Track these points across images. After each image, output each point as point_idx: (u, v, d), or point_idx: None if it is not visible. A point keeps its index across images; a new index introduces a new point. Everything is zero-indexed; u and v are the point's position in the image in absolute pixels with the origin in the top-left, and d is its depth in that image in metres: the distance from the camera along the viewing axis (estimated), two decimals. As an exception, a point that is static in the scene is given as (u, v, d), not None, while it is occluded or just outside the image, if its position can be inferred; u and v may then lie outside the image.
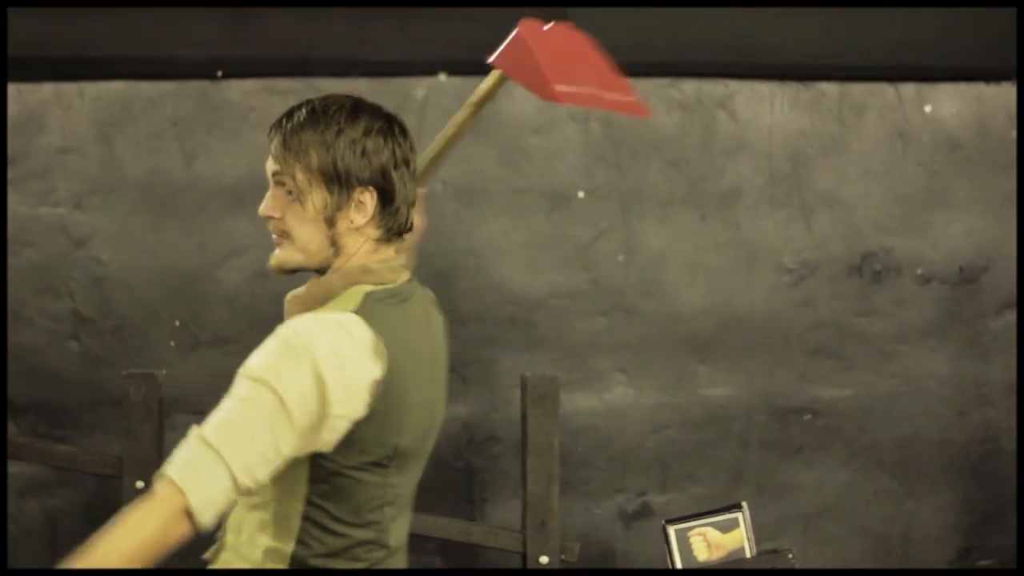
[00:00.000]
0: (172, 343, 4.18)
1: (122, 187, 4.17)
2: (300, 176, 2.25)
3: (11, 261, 4.12)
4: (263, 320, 3.80)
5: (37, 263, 4.16)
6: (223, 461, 2.09)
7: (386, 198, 2.28)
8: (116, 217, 4.18)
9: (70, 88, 4.16)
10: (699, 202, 4.32)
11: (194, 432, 2.13)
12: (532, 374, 3.87)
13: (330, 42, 4.19)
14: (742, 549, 3.92)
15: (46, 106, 4.16)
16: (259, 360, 2.16)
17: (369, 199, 2.27)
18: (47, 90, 4.16)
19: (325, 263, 2.31)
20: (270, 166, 2.30)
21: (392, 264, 2.33)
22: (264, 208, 2.31)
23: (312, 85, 4.16)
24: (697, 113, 4.30)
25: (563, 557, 3.84)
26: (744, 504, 3.95)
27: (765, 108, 4.33)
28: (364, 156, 2.25)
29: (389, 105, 4.14)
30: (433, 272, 4.20)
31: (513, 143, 4.25)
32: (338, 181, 2.24)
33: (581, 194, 4.28)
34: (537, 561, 3.80)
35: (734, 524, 3.93)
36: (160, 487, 2.10)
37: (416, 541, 4.23)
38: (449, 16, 4.18)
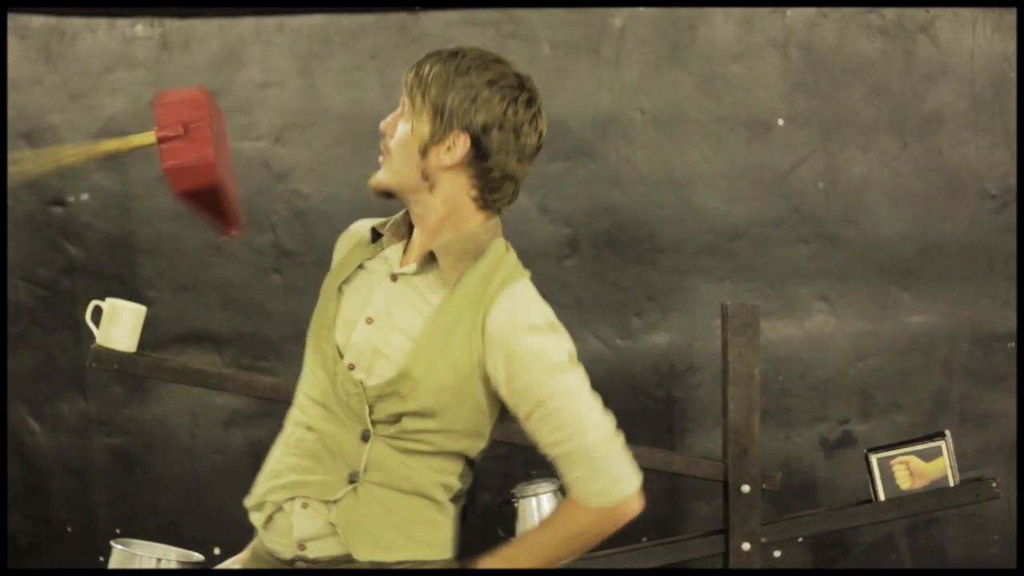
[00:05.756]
0: (373, 275, 4.19)
1: (323, 120, 4.19)
2: (417, 101, 2.32)
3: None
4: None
5: (239, 197, 4.17)
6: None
7: (480, 153, 2.31)
8: (317, 150, 4.20)
9: (270, 22, 4.18)
10: (900, 128, 4.27)
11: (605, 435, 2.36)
12: (733, 303, 3.85)
13: (529, -28, 4.18)
14: (945, 478, 3.89)
15: (246, 41, 4.18)
16: (562, 344, 2.33)
17: (461, 145, 2.30)
18: (247, 24, 4.18)
19: (418, 196, 2.36)
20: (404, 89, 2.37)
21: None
22: (384, 123, 2.38)
23: (511, 15, 4.16)
24: (899, 39, 4.25)
25: (764, 486, 3.83)
26: (947, 432, 3.91)
27: (967, 33, 4.27)
28: (473, 103, 2.29)
29: (586, 34, 4.22)
30: (632, 200, 4.19)
31: (712, 70, 4.22)
32: (441, 116, 2.29)
33: (781, 121, 4.25)
34: (739, 490, 3.79)
35: (937, 453, 3.90)
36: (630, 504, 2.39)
37: (615, 472, 4.27)
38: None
